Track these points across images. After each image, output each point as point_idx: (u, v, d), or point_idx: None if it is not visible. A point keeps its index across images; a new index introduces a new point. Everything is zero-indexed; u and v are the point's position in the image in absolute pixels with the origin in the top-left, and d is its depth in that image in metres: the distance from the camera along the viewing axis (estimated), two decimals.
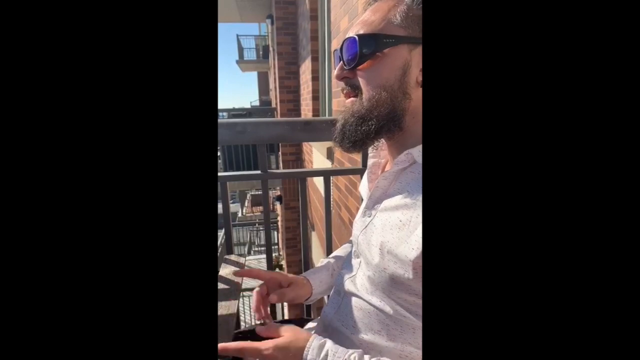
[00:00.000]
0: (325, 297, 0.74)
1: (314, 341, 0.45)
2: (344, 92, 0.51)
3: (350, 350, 0.43)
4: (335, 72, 0.51)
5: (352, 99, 0.50)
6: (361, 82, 0.48)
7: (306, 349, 0.44)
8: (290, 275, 0.63)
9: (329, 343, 0.45)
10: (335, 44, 2.38)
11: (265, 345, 0.46)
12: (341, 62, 0.49)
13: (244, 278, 0.67)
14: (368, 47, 0.45)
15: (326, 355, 0.43)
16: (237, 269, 0.81)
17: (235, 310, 0.66)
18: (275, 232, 8.32)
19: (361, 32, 0.47)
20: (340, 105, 2.26)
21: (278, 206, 6.53)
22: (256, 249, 9.70)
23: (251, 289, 0.63)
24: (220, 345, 0.46)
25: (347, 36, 0.48)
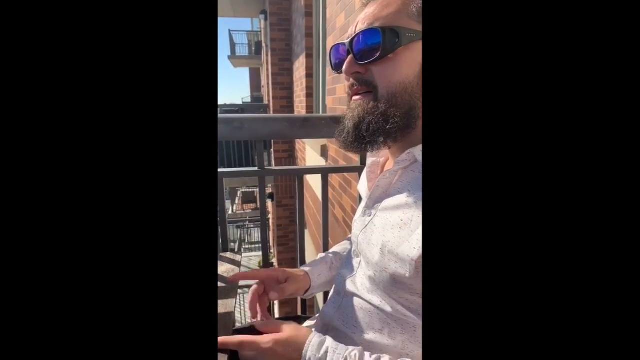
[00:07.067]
0: (319, 297, 0.74)
1: (314, 338, 0.45)
2: (354, 87, 0.49)
3: (351, 347, 0.43)
4: (344, 67, 0.48)
5: (360, 96, 0.48)
6: (377, 78, 0.46)
7: (306, 344, 0.44)
8: (287, 269, 0.63)
9: (329, 340, 0.45)
10: (331, 41, 2.37)
11: (264, 339, 0.45)
12: (351, 56, 0.47)
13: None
14: (390, 40, 0.43)
15: (326, 352, 0.43)
16: (233, 266, 0.81)
17: (233, 309, 0.66)
18: (267, 230, 8.29)
19: (376, 25, 0.44)
20: (335, 102, 2.25)
21: (269, 204, 6.50)
22: (247, 246, 9.64)
23: (248, 286, 0.63)
24: (220, 338, 0.46)
25: (358, 30, 0.46)
